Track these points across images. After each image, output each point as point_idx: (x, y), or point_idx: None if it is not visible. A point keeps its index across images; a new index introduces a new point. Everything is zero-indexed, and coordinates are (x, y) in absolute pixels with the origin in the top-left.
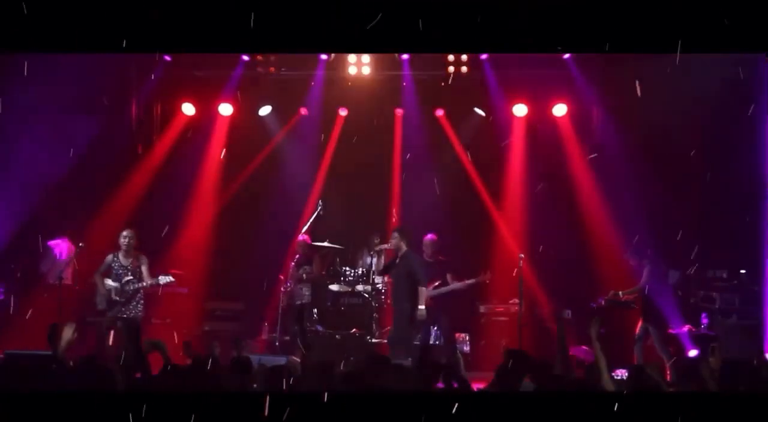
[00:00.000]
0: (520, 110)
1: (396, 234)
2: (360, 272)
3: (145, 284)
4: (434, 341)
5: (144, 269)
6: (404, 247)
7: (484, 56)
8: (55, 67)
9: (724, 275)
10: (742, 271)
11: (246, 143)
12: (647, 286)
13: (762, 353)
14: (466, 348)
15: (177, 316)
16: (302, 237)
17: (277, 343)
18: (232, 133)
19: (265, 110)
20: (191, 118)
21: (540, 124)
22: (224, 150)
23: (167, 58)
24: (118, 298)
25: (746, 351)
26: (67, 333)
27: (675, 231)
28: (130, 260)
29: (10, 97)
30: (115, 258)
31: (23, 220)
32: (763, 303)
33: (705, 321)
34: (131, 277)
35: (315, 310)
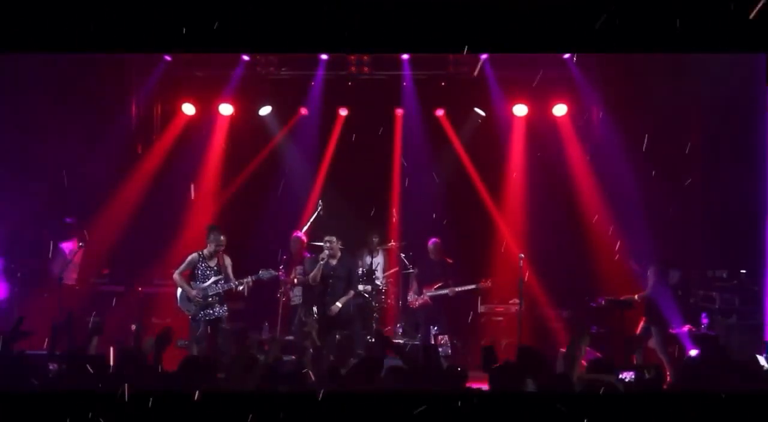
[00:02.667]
0: (520, 110)
1: (333, 239)
2: (360, 272)
3: (237, 283)
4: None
5: (230, 270)
6: (339, 252)
7: (484, 56)
8: (55, 67)
9: (724, 275)
10: (742, 271)
11: (246, 143)
12: (654, 287)
13: (761, 353)
14: (449, 351)
15: (177, 316)
16: (297, 234)
17: None
18: (232, 133)
19: (265, 110)
20: (191, 118)
21: (540, 124)
22: (223, 153)
23: (167, 58)
24: (209, 300)
25: (746, 351)
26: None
27: (675, 231)
28: (215, 260)
29: (9, 97)
30: (201, 258)
31: (23, 220)
32: (763, 303)
33: (705, 321)
34: (220, 277)
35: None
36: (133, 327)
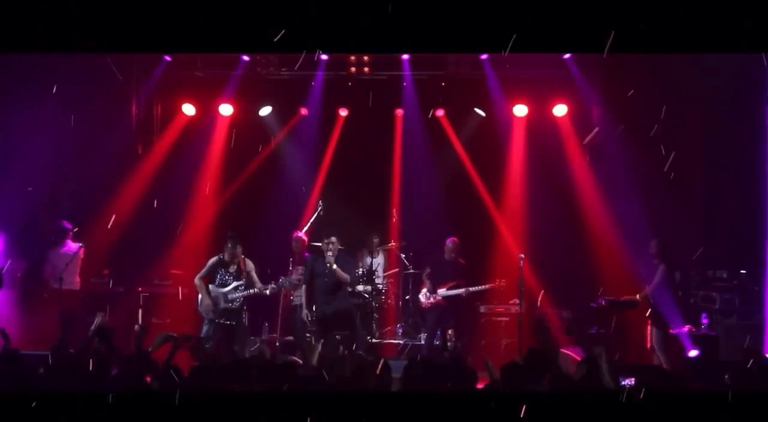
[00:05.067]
0: (520, 110)
1: (335, 239)
2: (360, 272)
3: (262, 288)
4: (435, 341)
5: (253, 275)
6: (336, 252)
7: (484, 56)
8: (55, 66)
9: (724, 275)
10: (742, 271)
11: (246, 143)
12: (657, 287)
13: (761, 353)
14: (456, 345)
15: (177, 317)
16: (298, 234)
17: (277, 344)
18: (232, 133)
19: (265, 110)
20: (191, 118)
21: (540, 124)
22: (223, 153)
23: (167, 58)
24: (229, 305)
25: (746, 351)
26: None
27: (675, 231)
28: (236, 265)
29: (10, 97)
30: (221, 262)
31: (23, 221)
32: (763, 303)
33: (705, 321)
34: (240, 283)
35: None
36: (136, 327)
